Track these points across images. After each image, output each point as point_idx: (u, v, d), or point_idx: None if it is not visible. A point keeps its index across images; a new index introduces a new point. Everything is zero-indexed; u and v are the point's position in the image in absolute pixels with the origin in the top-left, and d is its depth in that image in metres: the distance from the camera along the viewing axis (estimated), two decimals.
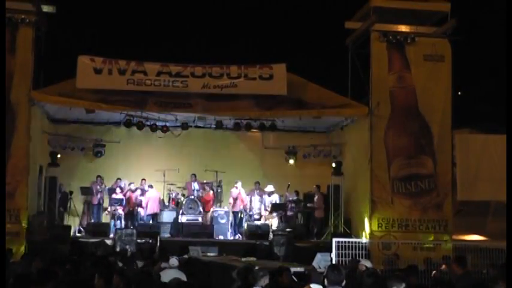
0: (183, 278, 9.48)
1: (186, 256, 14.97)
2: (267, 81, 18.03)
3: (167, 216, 19.33)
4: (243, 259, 14.31)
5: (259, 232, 18.52)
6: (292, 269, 10.50)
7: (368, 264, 10.49)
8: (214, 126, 19.51)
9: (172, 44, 22.19)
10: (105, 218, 19.32)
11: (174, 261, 10.94)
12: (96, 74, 17.48)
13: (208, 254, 16.49)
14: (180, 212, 19.14)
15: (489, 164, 16.97)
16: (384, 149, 17.34)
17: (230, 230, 19.42)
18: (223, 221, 19.22)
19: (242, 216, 19.58)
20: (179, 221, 18.94)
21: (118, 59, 17.81)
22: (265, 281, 7.95)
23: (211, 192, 19.58)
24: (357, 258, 13.82)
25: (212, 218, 19.32)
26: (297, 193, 19.73)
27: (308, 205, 19.62)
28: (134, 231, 17.08)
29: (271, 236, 18.08)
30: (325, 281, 7.27)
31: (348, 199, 18.75)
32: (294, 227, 18.92)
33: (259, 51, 21.78)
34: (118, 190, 18.96)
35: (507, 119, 12.35)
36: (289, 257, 16.29)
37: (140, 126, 18.72)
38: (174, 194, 19.78)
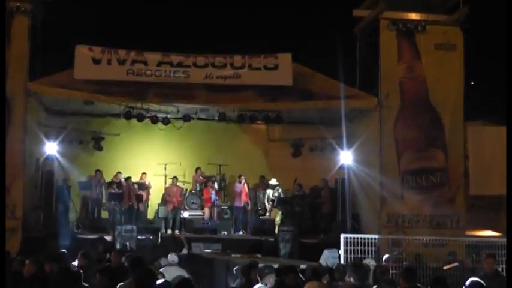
0: (185, 275, 9.42)
1: (185, 252, 14.77)
2: (272, 71, 17.85)
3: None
4: (248, 256, 13.97)
5: (264, 228, 18.26)
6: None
7: (372, 263, 10.39)
8: (217, 118, 19.04)
9: (173, 32, 21.88)
10: (104, 213, 18.90)
11: (173, 257, 10.75)
12: (95, 64, 17.37)
13: (211, 250, 16.06)
14: (182, 206, 18.75)
15: (503, 157, 16.51)
16: (393, 141, 17.13)
17: (234, 226, 19.01)
18: (226, 217, 18.85)
19: (246, 211, 19.19)
20: (181, 216, 18.55)
21: (117, 49, 17.66)
22: (270, 278, 7.83)
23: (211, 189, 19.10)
24: (363, 255, 13.64)
25: (215, 213, 18.92)
26: (300, 186, 19.17)
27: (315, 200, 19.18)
28: (134, 227, 16.69)
29: (276, 232, 17.69)
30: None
31: (356, 193, 18.28)
32: (300, 223, 18.42)
33: (264, 40, 21.48)
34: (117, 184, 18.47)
35: (507, 118, 12.06)
36: (294, 254, 15.98)
37: (140, 118, 18.33)
38: None
